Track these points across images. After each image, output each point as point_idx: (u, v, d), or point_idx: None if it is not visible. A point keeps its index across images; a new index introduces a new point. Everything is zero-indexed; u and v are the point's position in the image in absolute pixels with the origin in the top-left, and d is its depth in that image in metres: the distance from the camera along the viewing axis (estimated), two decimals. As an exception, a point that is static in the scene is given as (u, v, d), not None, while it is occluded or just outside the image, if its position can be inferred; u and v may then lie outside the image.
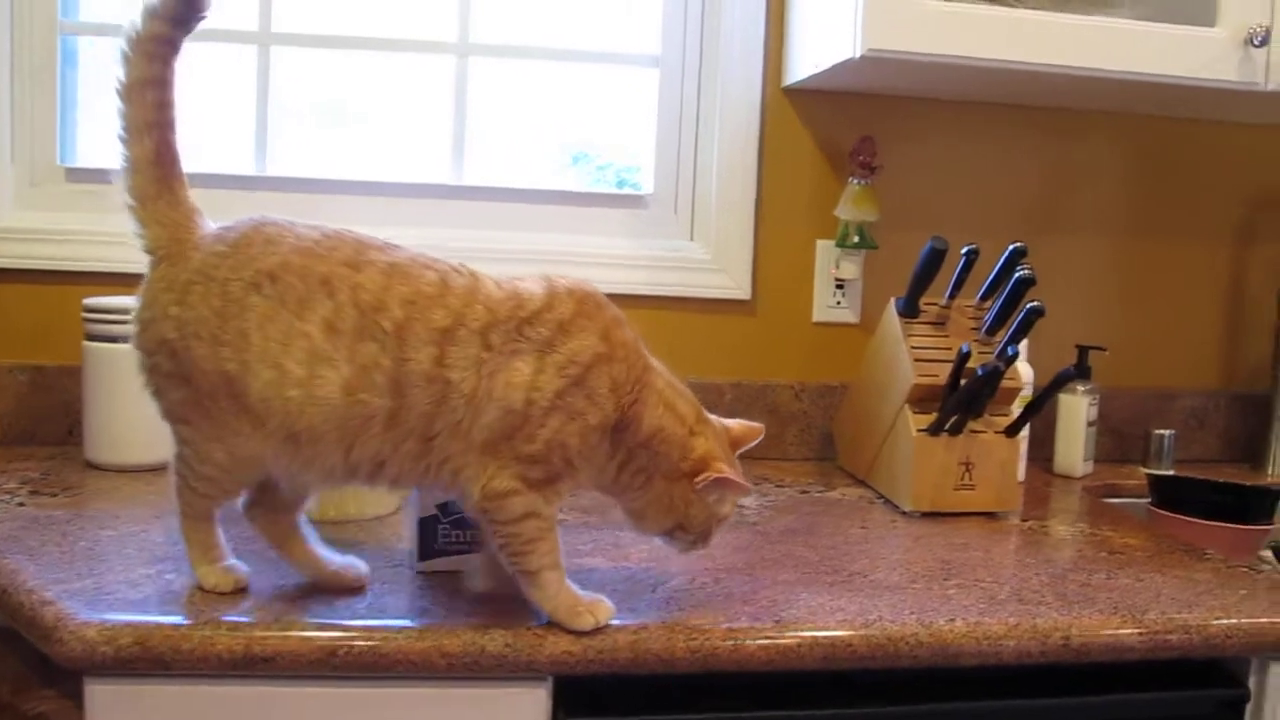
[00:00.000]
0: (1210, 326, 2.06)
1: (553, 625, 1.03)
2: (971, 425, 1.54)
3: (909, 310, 1.60)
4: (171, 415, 1.04)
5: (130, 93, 1.03)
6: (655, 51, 1.87)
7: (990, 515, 1.53)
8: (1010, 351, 1.48)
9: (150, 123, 1.03)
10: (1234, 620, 1.15)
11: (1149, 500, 1.70)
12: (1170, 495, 1.66)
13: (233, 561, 1.10)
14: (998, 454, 1.54)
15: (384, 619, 1.04)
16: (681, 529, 1.08)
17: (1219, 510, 1.61)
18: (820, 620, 1.09)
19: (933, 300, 1.61)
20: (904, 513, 1.53)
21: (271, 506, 1.09)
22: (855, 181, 1.80)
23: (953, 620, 1.11)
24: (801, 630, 1.07)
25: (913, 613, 1.12)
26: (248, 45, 1.80)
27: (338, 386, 0.97)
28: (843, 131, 1.84)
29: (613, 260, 1.83)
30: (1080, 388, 1.82)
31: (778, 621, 1.08)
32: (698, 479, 1.05)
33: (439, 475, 1.01)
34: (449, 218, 1.83)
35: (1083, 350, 1.81)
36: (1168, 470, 1.87)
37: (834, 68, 1.62)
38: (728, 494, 1.09)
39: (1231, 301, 2.06)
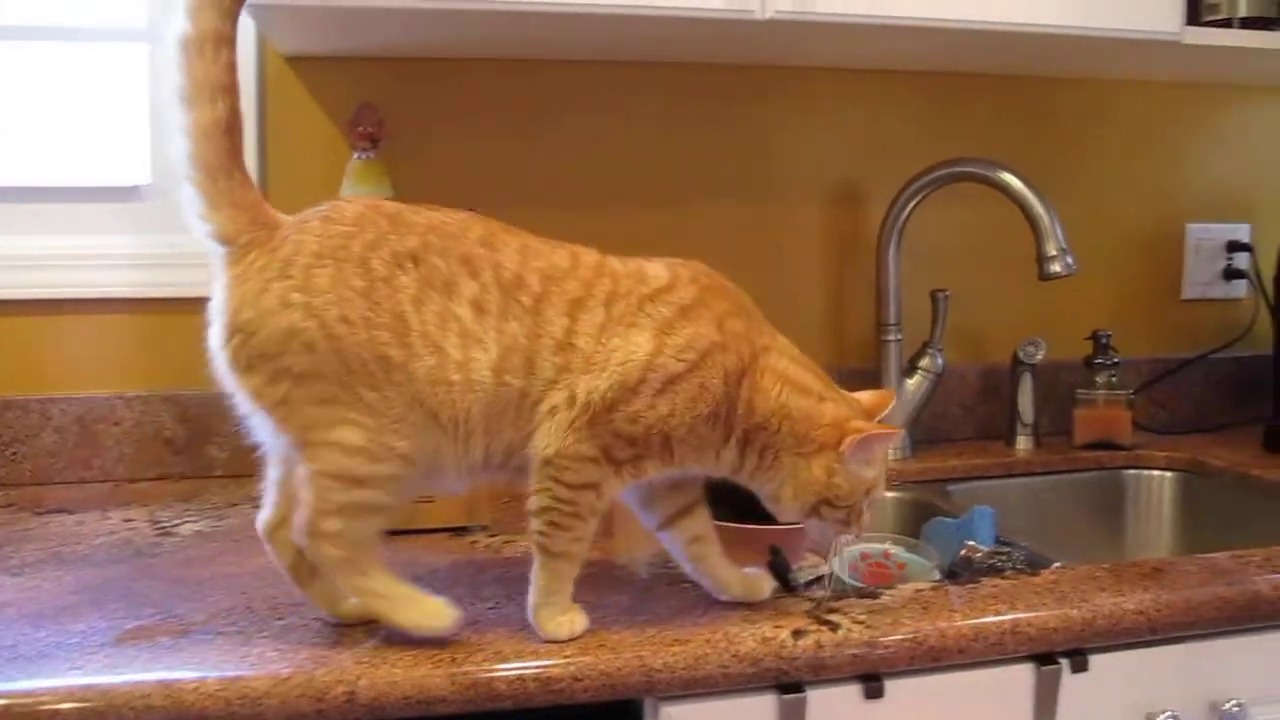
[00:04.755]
0: (813, 296, 1.87)
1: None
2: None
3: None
4: (320, 425, 0.92)
5: (202, 47, 0.93)
6: (141, 25, 1.65)
7: (455, 531, 1.36)
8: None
9: (225, 85, 0.94)
10: (590, 658, 0.98)
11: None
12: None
13: (436, 598, 1.00)
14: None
15: None
16: (828, 504, 1.02)
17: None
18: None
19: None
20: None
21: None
22: (358, 156, 1.60)
23: (204, 678, 0.92)
24: None
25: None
26: None
27: (488, 368, 0.94)
28: (358, 100, 1.63)
29: (104, 261, 1.62)
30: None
31: None
32: (843, 445, 0.99)
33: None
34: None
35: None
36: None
37: (323, 27, 1.44)
38: (875, 454, 1.02)
39: (836, 269, 1.88)
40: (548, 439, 0.95)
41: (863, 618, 1.06)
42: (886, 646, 1.03)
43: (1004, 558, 1.35)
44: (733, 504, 1.31)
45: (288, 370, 0.91)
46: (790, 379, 1.02)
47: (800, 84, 1.80)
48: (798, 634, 1.03)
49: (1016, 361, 1.77)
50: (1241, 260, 1.95)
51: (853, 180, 1.83)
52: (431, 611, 0.98)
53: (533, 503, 0.97)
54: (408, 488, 0.97)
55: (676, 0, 1.37)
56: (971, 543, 1.26)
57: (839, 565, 1.22)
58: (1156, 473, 1.75)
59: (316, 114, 1.67)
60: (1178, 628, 1.12)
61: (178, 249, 1.65)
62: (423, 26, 1.47)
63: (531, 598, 1.00)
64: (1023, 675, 1.09)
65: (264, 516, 1.02)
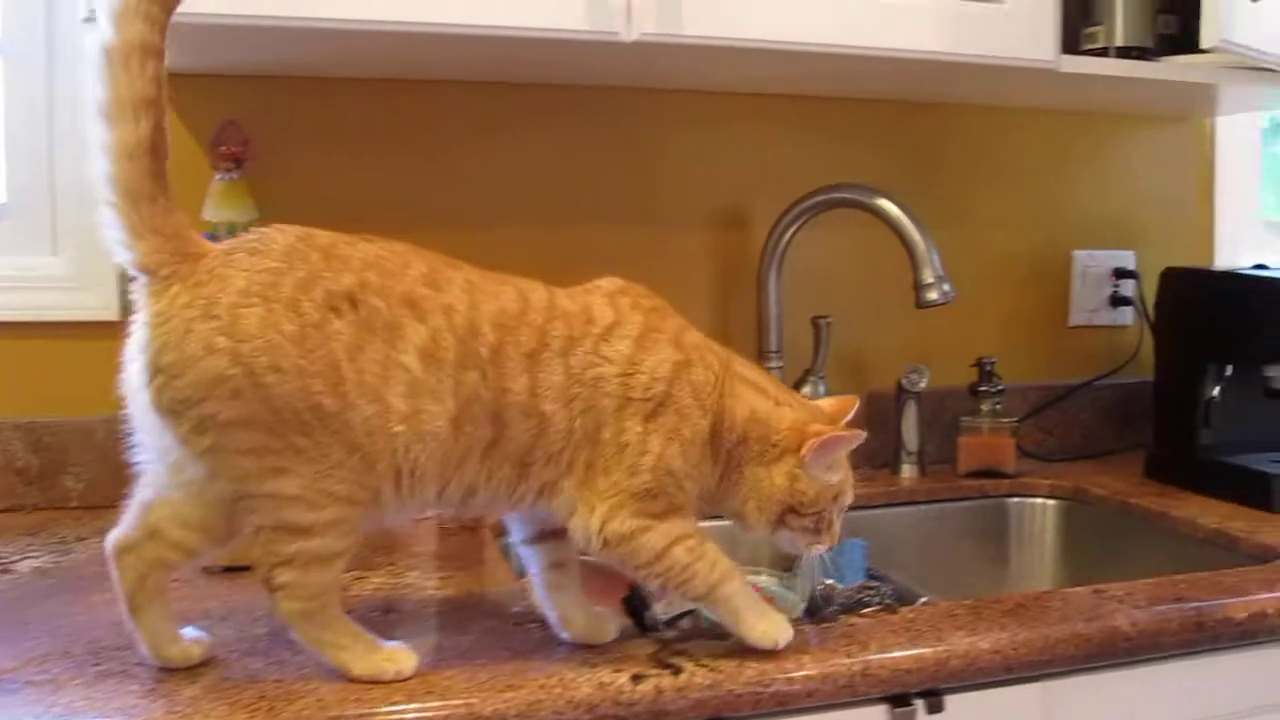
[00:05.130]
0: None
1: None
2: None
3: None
4: (251, 476, 0.87)
5: (128, 59, 0.85)
6: (-4, 35, 1.59)
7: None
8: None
9: (150, 101, 0.86)
10: (416, 704, 0.93)
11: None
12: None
13: (392, 644, 0.97)
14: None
15: None
16: (794, 512, 1.00)
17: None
18: None
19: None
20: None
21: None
22: (220, 176, 1.55)
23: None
24: None
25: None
26: None
27: (445, 421, 0.90)
28: (221, 118, 1.58)
29: (-45, 284, 1.55)
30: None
31: None
32: (803, 449, 0.98)
33: (535, 501, 0.97)
34: None
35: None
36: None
37: (186, 42, 1.35)
38: (836, 458, 1.01)
39: (720, 296, 1.85)
40: (577, 521, 0.97)
41: (707, 661, 1.02)
42: (731, 691, 1.00)
43: (871, 592, 1.32)
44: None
45: (212, 418, 0.86)
46: (754, 383, 1.02)
47: (686, 107, 1.77)
48: (637, 679, 0.99)
49: (900, 389, 1.75)
50: (1127, 287, 1.96)
51: (737, 205, 1.81)
52: (390, 658, 0.95)
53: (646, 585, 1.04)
54: (355, 530, 0.92)
55: (539, 21, 1.33)
56: (829, 580, 1.23)
57: (808, 578, 1.19)
58: (1039, 501, 1.74)
59: (178, 131, 1.59)
60: (1034, 666, 1.10)
61: (34, 271, 1.59)
62: (288, 44, 1.42)
63: (736, 635, 1.01)
64: (876, 718, 1.06)
65: (116, 534, 0.94)
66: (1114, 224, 1.99)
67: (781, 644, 1.01)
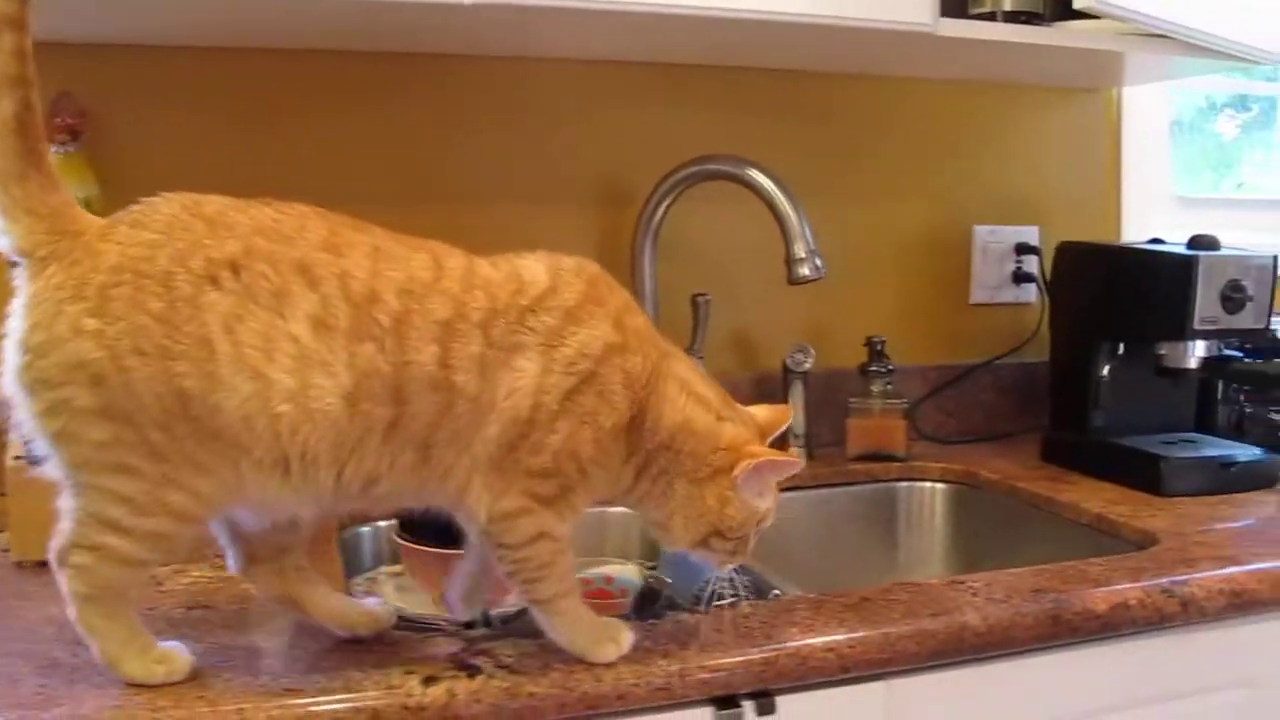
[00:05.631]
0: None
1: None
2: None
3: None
4: (92, 466, 0.83)
5: None
6: None
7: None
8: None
9: (13, 78, 0.82)
10: (183, 711, 0.86)
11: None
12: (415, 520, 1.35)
13: (168, 644, 0.91)
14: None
15: None
16: (719, 535, 0.95)
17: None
18: None
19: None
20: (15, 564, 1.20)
21: (274, 553, 0.95)
22: (56, 150, 1.46)
23: None
24: None
25: None
26: None
27: (338, 397, 0.82)
28: (56, 89, 1.49)
29: None
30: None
31: None
32: (736, 470, 0.92)
33: (439, 490, 0.90)
34: None
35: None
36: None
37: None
38: (768, 483, 0.95)
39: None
40: (476, 507, 0.89)
41: (510, 660, 0.96)
42: (532, 694, 0.93)
43: (727, 584, 1.25)
44: (431, 528, 1.22)
45: (67, 403, 0.81)
46: (693, 390, 0.94)
47: (554, 78, 1.68)
48: (429, 681, 0.92)
49: (786, 370, 1.68)
50: (1031, 264, 1.89)
51: (615, 179, 1.72)
52: (160, 658, 0.90)
53: (501, 570, 0.93)
54: (175, 548, 0.88)
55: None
56: (656, 574, 1.16)
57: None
58: (929, 485, 1.68)
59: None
60: (874, 665, 1.04)
61: None
62: (123, 10, 1.34)
63: (567, 648, 0.94)
64: (701, 719, 1.00)
65: (56, 544, 0.90)
66: (1017, 199, 1.93)
67: (624, 651, 0.96)
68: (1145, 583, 1.17)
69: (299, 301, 0.83)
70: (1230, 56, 1.60)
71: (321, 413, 0.83)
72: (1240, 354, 1.60)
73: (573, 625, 0.94)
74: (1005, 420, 1.89)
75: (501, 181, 1.68)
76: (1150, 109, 2.00)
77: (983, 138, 1.91)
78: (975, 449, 1.79)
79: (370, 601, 1.01)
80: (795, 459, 0.96)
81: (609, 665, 0.95)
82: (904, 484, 1.69)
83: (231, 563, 0.97)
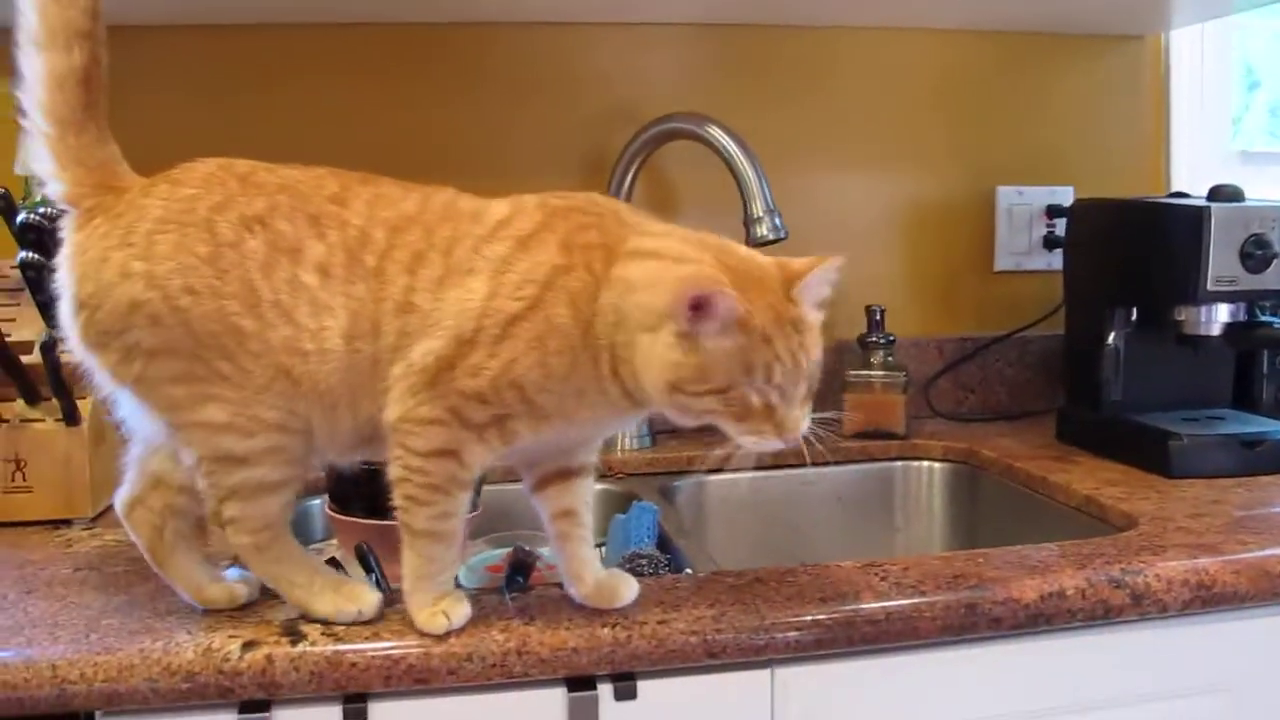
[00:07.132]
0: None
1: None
2: (25, 413, 1.26)
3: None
4: (181, 405, 0.87)
5: None
6: None
7: (56, 524, 1.25)
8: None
9: (84, 31, 0.86)
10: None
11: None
12: (344, 492, 1.32)
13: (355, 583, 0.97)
14: (58, 447, 1.26)
15: None
16: (680, 391, 0.82)
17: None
18: None
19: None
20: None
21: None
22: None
23: None
24: None
25: None
26: None
27: (339, 336, 0.87)
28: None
29: None
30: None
31: None
32: (669, 302, 0.80)
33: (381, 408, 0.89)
34: None
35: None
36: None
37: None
38: (721, 315, 0.79)
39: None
40: (391, 405, 0.88)
41: (340, 629, 0.92)
42: (354, 665, 0.89)
43: (645, 563, 1.19)
44: (360, 500, 1.20)
45: (137, 346, 0.86)
46: (650, 251, 0.85)
47: (525, 42, 1.63)
48: (249, 646, 0.90)
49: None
50: (1064, 228, 1.73)
51: (589, 144, 1.66)
52: (351, 596, 0.93)
53: (389, 474, 0.89)
54: (298, 458, 0.91)
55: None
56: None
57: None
58: (926, 465, 1.56)
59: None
60: (747, 651, 0.96)
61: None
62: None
63: (404, 584, 0.92)
64: (552, 700, 0.94)
65: (122, 494, 0.96)
66: (1048, 157, 1.77)
67: (452, 628, 0.91)
68: (1090, 571, 1.04)
69: (309, 252, 0.87)
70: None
71: (332, 352, 0.87)
72: (1274, 319, 1.40)
73: (417, 576, 0.91)
74: (1030, 397, 1.74)
75: (474, 153, 1.65)
76: (1207, 53, 1.80)
77: (1008, 91, 1.76)
78: (991, 427, 1.66)
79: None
80: (725, 288, 0.79)
81: (439, 638, 0.91)
82: (900, 464, 1.57)
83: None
